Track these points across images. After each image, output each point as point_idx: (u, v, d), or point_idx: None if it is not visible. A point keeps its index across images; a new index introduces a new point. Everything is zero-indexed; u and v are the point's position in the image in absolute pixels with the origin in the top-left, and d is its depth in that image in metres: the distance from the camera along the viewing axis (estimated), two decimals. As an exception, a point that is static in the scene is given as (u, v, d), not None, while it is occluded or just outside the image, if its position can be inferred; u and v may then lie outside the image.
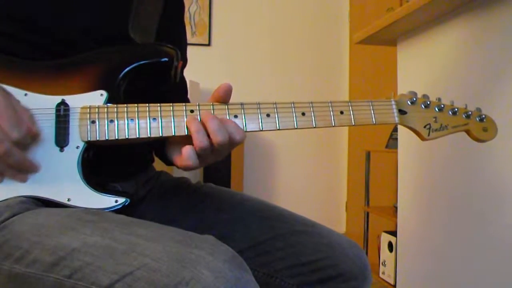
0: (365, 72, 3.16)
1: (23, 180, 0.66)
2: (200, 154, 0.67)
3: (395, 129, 2.29)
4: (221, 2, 3.34)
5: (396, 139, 1.99)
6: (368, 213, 2.45)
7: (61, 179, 0.67)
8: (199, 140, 0.66)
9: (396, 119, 0.77)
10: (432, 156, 1.57)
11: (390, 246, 2.10)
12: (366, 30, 1.74)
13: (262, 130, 0.72)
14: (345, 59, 3.44)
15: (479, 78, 1.32)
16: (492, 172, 1.27)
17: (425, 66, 1.61)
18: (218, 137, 0.66)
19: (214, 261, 0.53)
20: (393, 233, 2.05)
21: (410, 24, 1.58)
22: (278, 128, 0.72)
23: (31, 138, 0.65)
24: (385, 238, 2.15)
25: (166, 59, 0.74)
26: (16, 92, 0.67)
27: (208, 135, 0.67)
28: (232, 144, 0.68)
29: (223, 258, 0.54)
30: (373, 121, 0.76)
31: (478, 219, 1.33)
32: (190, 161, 0.67)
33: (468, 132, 0.82)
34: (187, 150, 0.66)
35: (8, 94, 0.65)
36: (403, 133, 1.79)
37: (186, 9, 0.95)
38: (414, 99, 0.79)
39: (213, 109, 0.70)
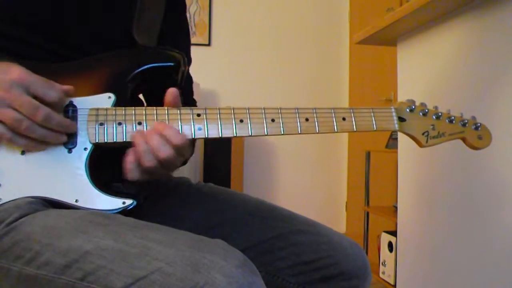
0: (365, 72, 3.16)
1: (62, 140, 0.66)
2: (149, 171, 0.67)
3: (395, 129, 2.29)
4: (221, 2, 3.34)
5: (396, 139, 2.00)
6: (368, 213, 2.45)
7: (68, 180, 0.67)
8: (147, 159, 0.66)
9: (396, 126, 0.80)
10: (432, 156, 1.58)
11: (390, 246, 2.10)
12: (366, 30, 1.74)
13: (267, 135, 0.73)
14: (345, 59, 3.44)
15: (479, 78, 1.32)
16: (491, 173, 1.27)
17: (425, 66, 1.61)
18: (160, 154, 0.65)
19: (227, 266, 0.53)
20: (393, 233, 2.06)
21: (410, 24, 1.58)
22: (282, 133, 0.74)
23: (67, 97, 0.66)
24: (385, 238, 2.16)
25: (172, 63, 0.75)
26: None
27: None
28: (179, 153, 0.67)
29: (236, 263, 0.54)
30: (374, 128, 0.78)
31: (478, 219, 1.33)
32: (131, 174, 0.67)
33: (464, 139, 0.85)
34: (128, 166, 0.67)
35: (23, 68, 0.65)
36: (403, 134, 1.79)
37: (186, 9, 0.97)
38: (413, 106, 0.82)
39: (219, 113, 0.71)
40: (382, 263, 2.19)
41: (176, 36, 0.94)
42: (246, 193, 0.91)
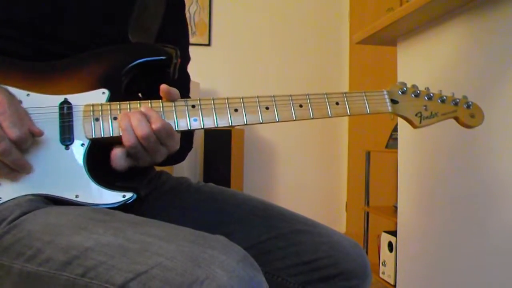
0: (365, 72, 3.16)
1: (15, 179, 0.66)
2: (132, 154, 0.67)
3: (395, 129, 2.30)
4: (221, 2, 3.34)
5: (396, 139, 2.00)
6: (368, 213, 2.45)
7: (68, 177, 0.68)
8: (126, 139, 0.66)
9: (389, 108, 0.81)
10: (432, 156, 1.58)
11: (390, 246, 2.10)
12: (366, 30, 1.74)
13: (262, 123, 0.73)
14: (345, 59, 3.44)
15: (479, 78, 1.32)
16: (492, 172, 1.27)
17: (425, 66, 1.61)
18: (138, 131, 0.66)
19: (227, 261, 0.53)
20: (393, 233, 2.06)
21: (410, 24, 1.58)
22: (277, 120, 0.74)
23: (33, 137, 0.65)
24: (385, 238, 2.16)
25: (164, 57, 0.75)
26: (18, 93, 0.67)
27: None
28: (159, 138, 0.67)
29: (236, 258, 0.54)
30: (367, 111, 0.79)
31: (478, 218, 1.33)
32: (117, 162, 0.67)
33: (456, 119, 0.86)
34: (115, 152, 0.67)
35: (12, 95, 0.65)
36: (403, 133, 1.79)
37: (186, 9, 0.96)
38: (405, 89, 0.83)
39: (213, 103, 0.72)
40: (382, 263, 2.19)
41: (176, 35, 0.94)
42: (246, 193, 0.91)
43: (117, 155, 0.66)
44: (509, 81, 1.20)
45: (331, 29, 3.48)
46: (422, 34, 1.60)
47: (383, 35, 1.71)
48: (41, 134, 0.66)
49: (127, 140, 0.66)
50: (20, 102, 0.67)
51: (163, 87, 0.70)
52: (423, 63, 1.62)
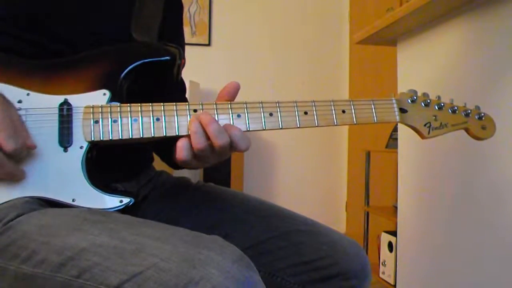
0: (365, 72, 3.16)
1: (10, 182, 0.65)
2: (198, 155, 0.68)
3: (395, 129, 2.30)
4: (221, 2, 3.34)
5: (396, 139, 2.00)
6: (368, 213, 2.45)
7: (65, 180, 0.67)
8: (196, 141, 0.66)
9: (397, 117, 0.78)
10: (432, 156, 1.58)
11: (390, 246, 2.10)
12: (366, 30, 1.74)
13: (264, 130, 0.72)
14: (345, 59, 3.44)
15: (479, 78, 1.32)
16: (492, 172, 1.27)
17: (425, 66, 1.61)
18: (218, 141, 0.66)
19: (223, 261, 0.53)
20: (393, 233, 2.06)
21: (410, 24, 1.58)
22: (280, 127, 0.72)
23: (27, 150, 0.64)
24: (385, 238, 2.16)
25: (168, 57, 0.74)
26: (18, 92, 0.66)
27: (208, 138, 0.67)
28: (234, 149, 0.68)
29: (232, 258, 0.54)
30: (374, 120, 0.76)
31: (478, 218, 1.33)
32: (183, 153, 0.67)
33: (467, 130, 0.83)
34: (181, 141, 0.67)
35: (8, 106, 0.64)
36: (403, 133, 1.79)
37: (186, 9, 0.96)
38: (415, 97, 0.80)
39: (216, 108, 0.71)
40: (382, 263, 2.19)
41: (174, 35, 0.94)
42: (246, 193, 0.91)
43: (181, 146, 0.67)
44: (509, 80, 1.20)
45: (331, 29, 3.48)
46: (422, 34, 1.60)
47: (383, 35, 1.71)
48: (34, 147, 0.65)
49: (197, 143, 0.66)
50: (20, 101, 0.66)
51: (236, 84, 0.71)
52: (423, 63, 1.62)
